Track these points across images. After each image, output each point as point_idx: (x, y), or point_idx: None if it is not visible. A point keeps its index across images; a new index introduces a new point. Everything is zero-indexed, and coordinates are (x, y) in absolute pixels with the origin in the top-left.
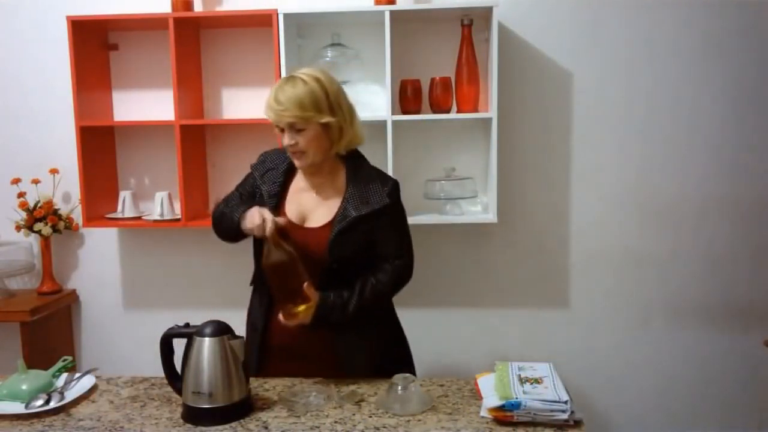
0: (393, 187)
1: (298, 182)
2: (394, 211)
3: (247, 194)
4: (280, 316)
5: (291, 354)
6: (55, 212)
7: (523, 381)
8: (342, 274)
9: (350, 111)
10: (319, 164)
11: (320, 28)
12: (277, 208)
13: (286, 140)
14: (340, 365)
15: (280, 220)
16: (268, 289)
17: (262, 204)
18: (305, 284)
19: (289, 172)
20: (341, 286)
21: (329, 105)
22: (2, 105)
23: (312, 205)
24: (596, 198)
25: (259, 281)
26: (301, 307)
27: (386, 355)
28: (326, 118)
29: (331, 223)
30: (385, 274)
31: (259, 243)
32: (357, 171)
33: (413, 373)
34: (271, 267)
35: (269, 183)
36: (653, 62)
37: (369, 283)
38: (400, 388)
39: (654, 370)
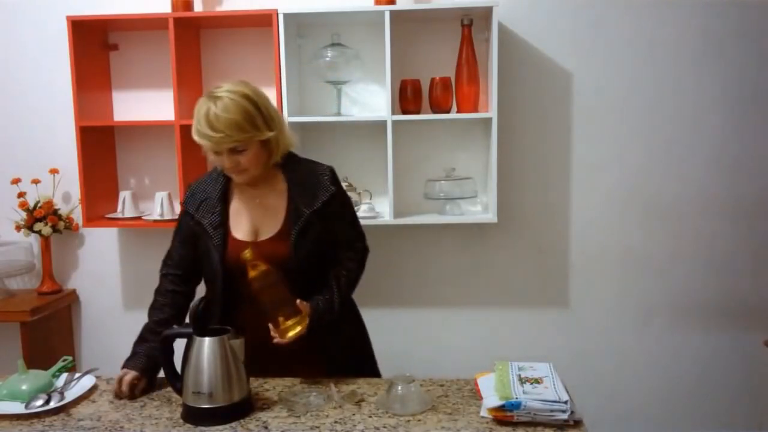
0: (332, 173)
1: (238, 202)
2: (340, 196)
3: (190, 237)
4: (273, 335)
5: (262, 355)
6: (55, 212)
7: (523, 381)
8: (307, 272)
9: (279, 118)
10: (258, 175)
11: (320, 28)
12: (225, 236)
13: (228, 163)
14: (311, 363)
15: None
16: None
17: (207, 237)
18: (298, 301)
19: (224, 197)
20: (308, 286)
21: (264, 119)
22: (2, 105)
23: (259, 217)
24: (596, 198)
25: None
26: (292, 321)
27: (351, 350)
28: (266, 134)
29: (285, 227)
30: (352, 261)
31: (222, 270)
32: (294, 169)
33: (376, 367)
34: (260, 289)
35: (208, 214)
36: (653, 62)
37: (342, 275)
38: (400, 388)
39: (654, 370)
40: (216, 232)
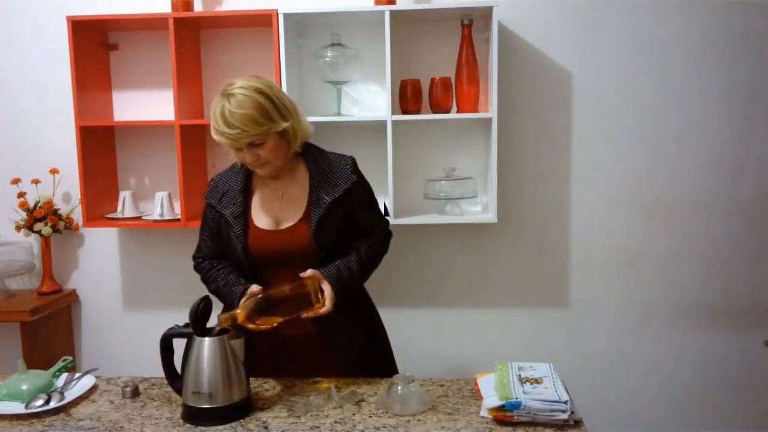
0: (353, 163)
1: (260, 193)
2: (362, 185)
3: (215, 230)
4: (317, 314)
5: (280, 355)
6: (55, 212)
7: (523, 381)
8: (327, 262)
9: (294, 107)
10: (280, 167)
11: (320, 28)
12: (246, 226)
13: (248, 158)
14: (329, 362)
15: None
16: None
17: (229, 227)
18: (301, 275)
19: (246, 189)
20: None
21: (278, 111)
22: (2, 105)
23: (282, 207)
24: (596, 198)
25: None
26: (320, 295)
27: (366, 343)
28: (282, 125)
29: (306, 215)
30: (374, 237)
31: (246, 258)
32: (315, 159)
33: (392, 360)
34: (265, 312)
35: (230, 206)
36: (653, 62)
37: (362, 245)
38: (400, 388)
39: (654, 370)
40: (237, 221)
